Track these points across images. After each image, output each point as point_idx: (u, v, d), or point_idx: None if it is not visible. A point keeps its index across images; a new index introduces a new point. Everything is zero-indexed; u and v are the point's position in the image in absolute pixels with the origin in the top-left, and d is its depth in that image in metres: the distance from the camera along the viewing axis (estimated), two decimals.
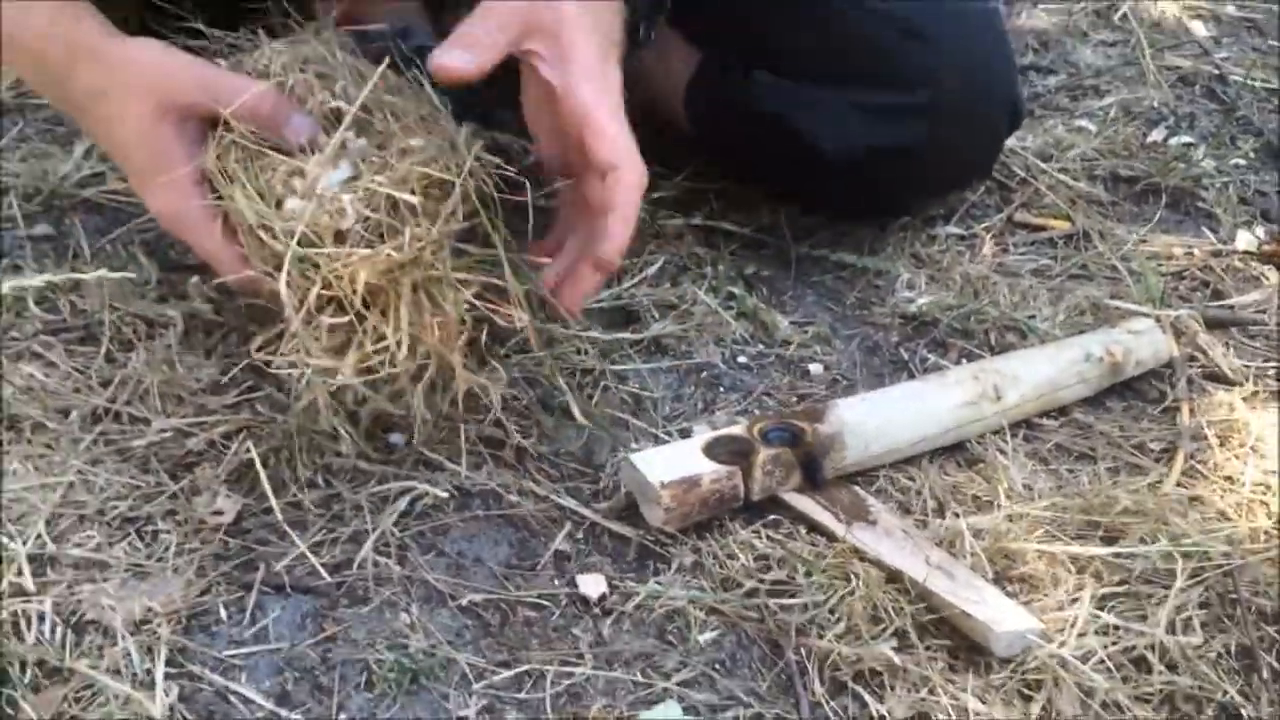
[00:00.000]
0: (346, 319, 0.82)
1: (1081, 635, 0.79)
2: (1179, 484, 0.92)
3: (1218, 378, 1.03)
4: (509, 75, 0.89)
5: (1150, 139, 1.33)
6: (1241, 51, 1.51)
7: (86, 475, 0.89)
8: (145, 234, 1.13)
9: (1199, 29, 1.55)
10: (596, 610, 0.82)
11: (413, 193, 0.82)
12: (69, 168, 1.19)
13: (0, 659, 0.75)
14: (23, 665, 0.75)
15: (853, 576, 0.81)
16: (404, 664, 0.77)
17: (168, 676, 0.76)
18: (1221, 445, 0.95)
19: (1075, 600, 0.82)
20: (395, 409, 0.90)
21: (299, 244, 0.80)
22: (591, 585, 0.83)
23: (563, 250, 0.92)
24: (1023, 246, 1.18)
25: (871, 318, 1.08)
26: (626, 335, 1.05)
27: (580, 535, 0.88)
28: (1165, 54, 1.48)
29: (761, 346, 1.05)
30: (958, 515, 0.87)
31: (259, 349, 0.85)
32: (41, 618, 0.78)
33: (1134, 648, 0.79)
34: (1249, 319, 1.09)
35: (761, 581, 0.82)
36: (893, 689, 0.76)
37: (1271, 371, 1.03)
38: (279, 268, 0.81)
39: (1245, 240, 1.19)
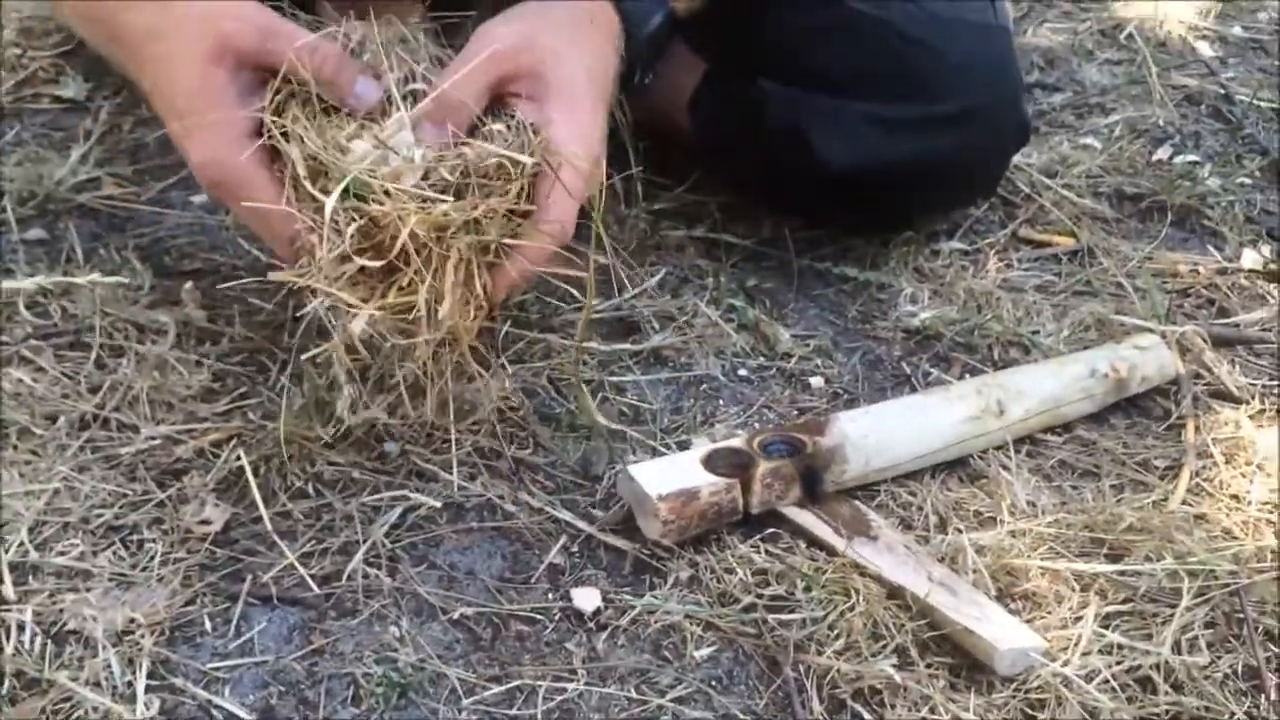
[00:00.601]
0: (381, 263, 0.79)
1: (1085, 654, 0.77)
2: (1184, 502, 0.90)
3: (1223, 395, 1.01)
4: None
5: (1156, 157, 1.32)
6: (1248, 71, 1.50)
7: (72, 482, 0.87)
8: (140, 239, 1.12)
9: (1205, 49, 1.54)
10: (591, 625, 0.80)
11: (485, 175, 0.80)
12: (64, 172, 1.18)
13: None
14: (1, 676, 0.73)
15: (853, 592, 0.80)
16: (392, 678, 0.75)
17: (149, 689, 0.74)
18: (1227, 463, 0.93)
19: (1079, 619, 0.80)
20: (391, 419, 0.89)
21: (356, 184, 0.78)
22: (586, 599, 0.82)
23: None
24: (1027, 262, 1.16)
25: (874, 331, 1.07)
26: (626, 346, 1.03)
27: (575, 548, 0.86)
28: (1171, 73, 1.47)
29: (762, 359, 1.03)
30: (960, 531, 0.86)
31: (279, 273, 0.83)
32: (21, 627, 0.77)
33: (1139, 667, 0.77)
34: (1255, 337, 1.07)
35: (760, 596, 0.81)
36: (893, 707, 0.74)
37: (1277, 390, 1.01)
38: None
39: (1251, 259, 1.17)
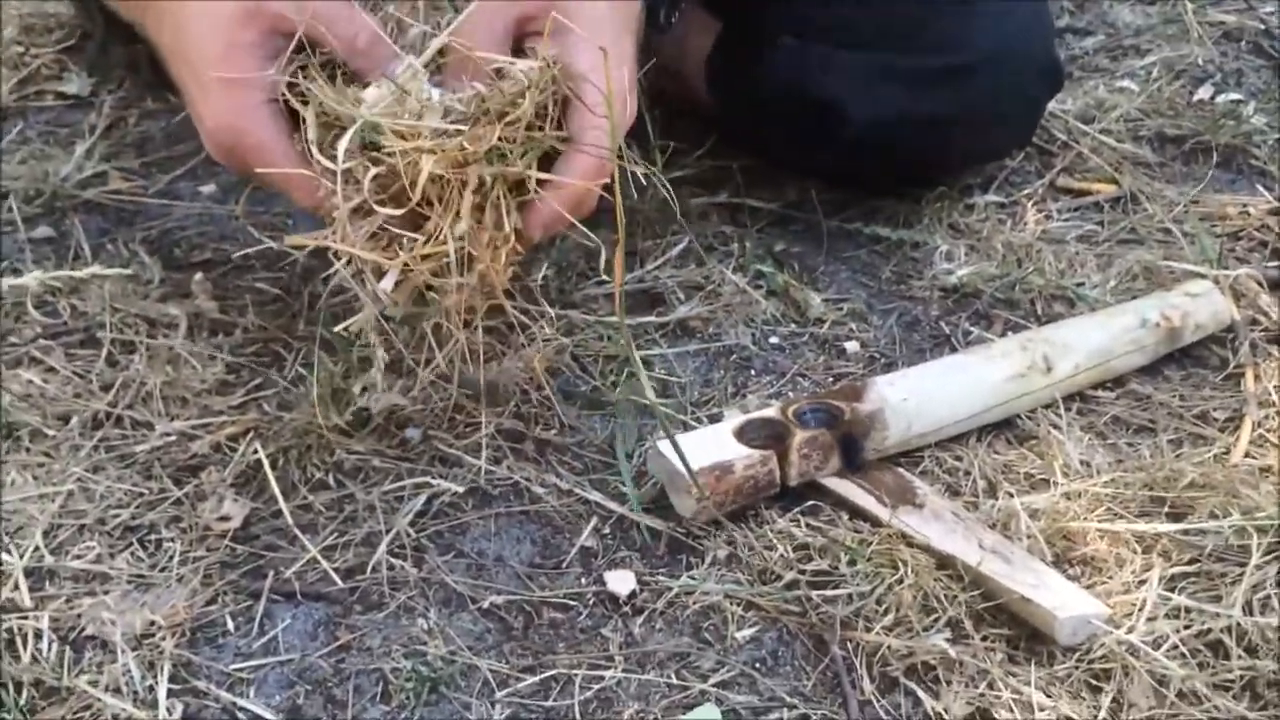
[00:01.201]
0: (403, 211, 0.75)
1: (1151, 619, 0.73)
2: (1248, 454, 0.85)
3: None
4: None
5: (1197, 97, 1.26)
6: None
7: (86, 483, 0.84)
8: (148, 233, 1.09)
9: None
10: (626, 609, 0.77)
11: (505, 107, 0.76)
12: (70, 168, 1.15)
13: None
14: (18, 686, 0.71)
15: (900, 564, 0.75)
16: (422, 673, 0.72)
17: (171, 693, 0.71)
18: None
19: (1143, 582, 0.75)
20: (412, 404, 0.86)
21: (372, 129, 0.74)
22: (620, 582, 0.78)
23: None
24: (1066, 212, 1.11)
25: (909, 292, 1.02)
26: (651, 319, 0.99)
27: (607, 530, 0.82)
28: (1208, 10, 1.41)
29: (794, 326, 0.99)
30: (1011, 495, 0.81)
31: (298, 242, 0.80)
32: (38, 635, 0.74)
33: (1209, 631, 0.73)
34: None
35: (802, 573, 0.77)
36: (949, 684, 0.70)
37: None
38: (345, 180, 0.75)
39: None
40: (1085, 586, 0.75)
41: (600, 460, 0.87)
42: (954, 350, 0.96)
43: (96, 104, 1.27)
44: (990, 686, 0.70)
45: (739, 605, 0.76)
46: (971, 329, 0.98)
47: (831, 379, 0.94)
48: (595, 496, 0.84)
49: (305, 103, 0.79)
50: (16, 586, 0.77)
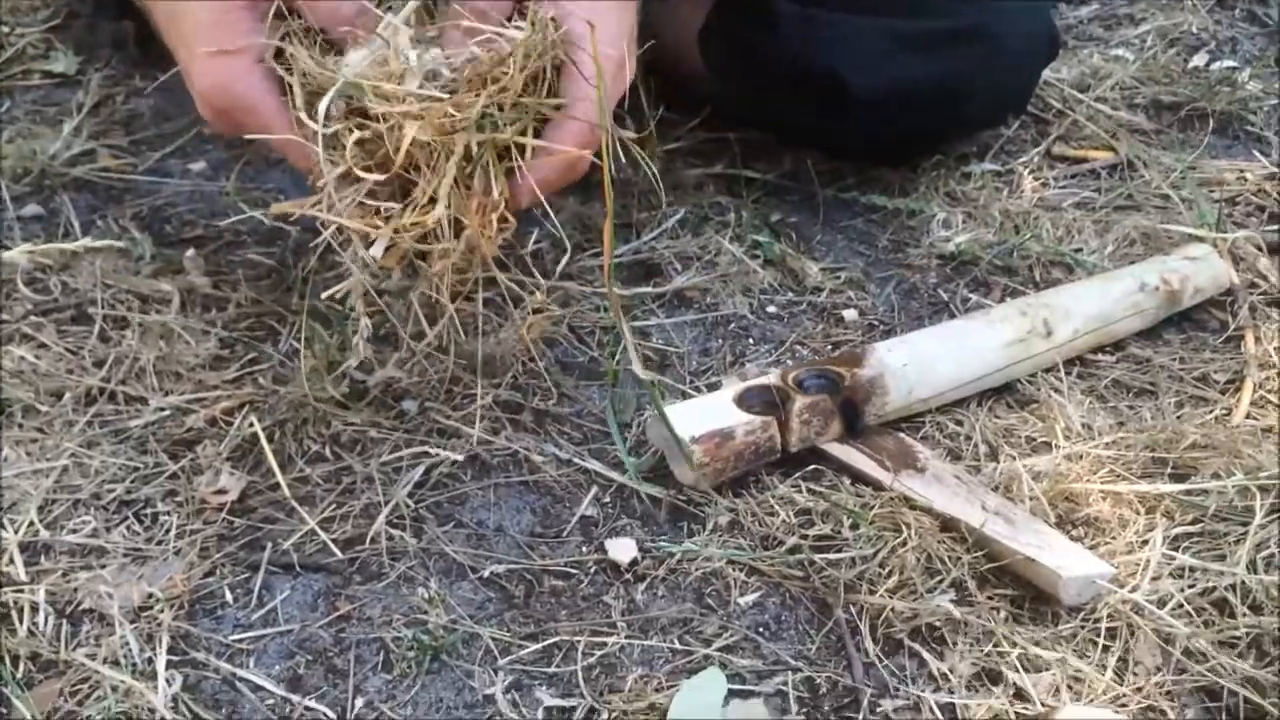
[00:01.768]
0: (386, 176, 0.74)
1: (1155, 579, 0.73)
2: (1249, 415, 0.85)
3: None
4: None
5: (1191, 64, 1.26)
6: None
7: (81, 458, 0.83)
8: (139, 210, 1.08)
9: None
10: (628, 576, 0.76)
11: (493, 69, 0.75)
12: (58, 146, 1.14)
13: None
14: (15, 659, 0.70)
15: (903, 527, 0.75)
16: (424, 641, 0.72)
17: (170, 665, 0.70)
18: None
19: (1146, 542, 0.75)
20: (407, 376, 0.85)
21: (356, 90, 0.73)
22: (621, 550, 0.77)
23: None
24: (1063, 180, 1.11)
25: (907, 260, 1.02)
26: (648, 290, 0.99)
27: (607, 499, 0.82)
28: None
29: (791, 295, 0.99)
30: (1013, 458, 0.81)
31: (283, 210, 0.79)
32: (35, 608, 0.73)
33: (1214, 589, 0.72)
34: None
35: (804, 537, 0.76)
36: (954, 645, 0.70)
37: None
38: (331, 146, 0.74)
39: None
40: (1089, 547, 0.75)
41: (598, 430, 0.87)
42: (952, 317, 0.95)
43: (84, 82, 1.25)
44: (995, 646, 0.70)
45: (741, 571, 0.76)
46: (970, 296, 0.98)
47: (830, 347, 0.93)
48: (594, 466, 0.84)
49: (290, 70, 0.78)
50: (12, 561, 0.76)
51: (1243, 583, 0.72)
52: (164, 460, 0.84)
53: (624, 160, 1.08)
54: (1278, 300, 0.96)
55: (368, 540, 0.78)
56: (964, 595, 0.72)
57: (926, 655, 0.70)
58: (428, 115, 0.73)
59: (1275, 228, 1.03)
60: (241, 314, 0.95)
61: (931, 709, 0.68)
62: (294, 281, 0.98)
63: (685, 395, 0.88)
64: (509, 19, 0.79)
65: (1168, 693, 0.68)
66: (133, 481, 0.82)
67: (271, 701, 0.69)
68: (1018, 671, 0.68)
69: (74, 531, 0.78)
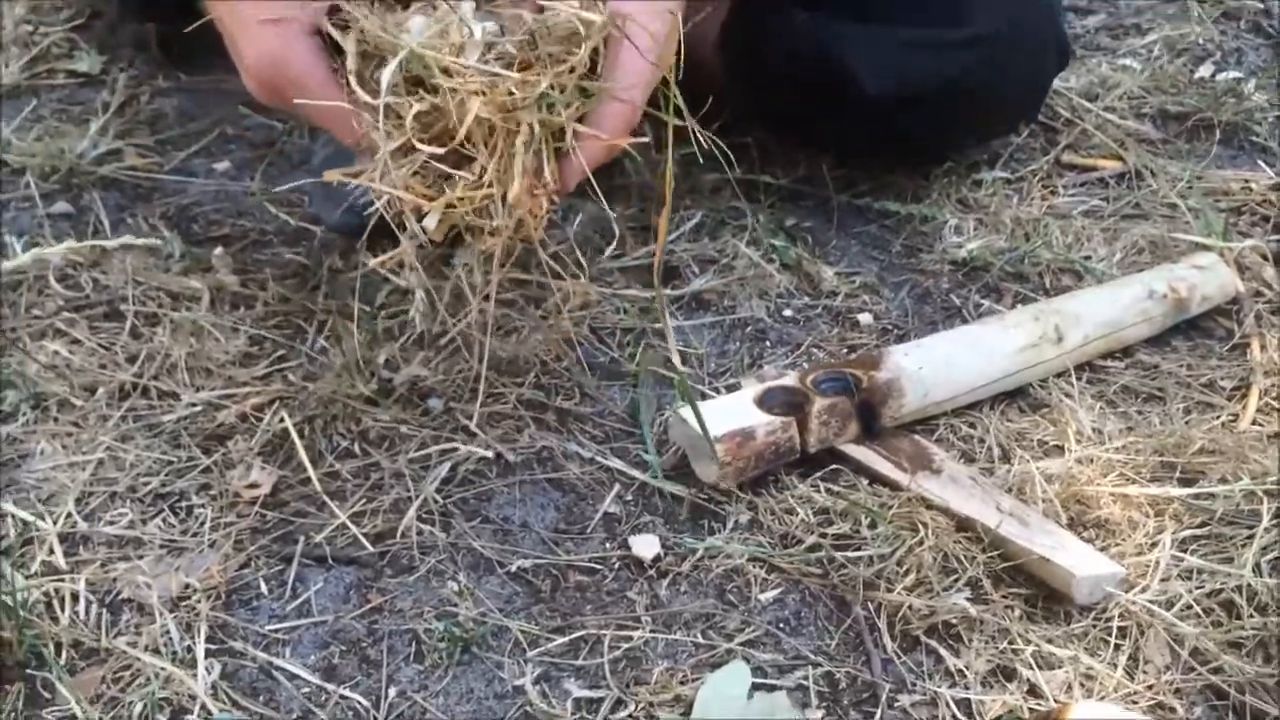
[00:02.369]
0: (445, 150, 0.74)
1: (1164, 580, 0.75)
2: (1255, 421, 0.87)
3: None
4: None
5: (1198, 75, 1.28)
6: None
7: (116, 452, 0.85)
8: (166, 209, 1.10)
9: None
10: (651, 572, 0.79)
11: (552, 45, 0.75)
12: (85, 145, 1.16)
13: (27, 640, 0.72)
14: (58, 647, 0.72)
15: (920, 526, 0.77)
16: (454, 633, 0.74)
17: (209, 653, 0.73)
18: None
19: (1155, 544, 0.77)
20: (434, 374, 0.86)
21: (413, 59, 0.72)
22: (645, 546, 0.80)
23: None
24: (1073, 188, 1.13)
25: (920, 265, 1.04)
26: (666, 292, 1.01)
27: (630, 496, 0.84)
28: None
29: (807, 298, 1.01)
30: (1026, 461, 0.83)
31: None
32: (75, 597, 0.75)
33: (1221, 591, 0.75)
34: None
35: (824, 536, 0.79)
36: (969, 642, 0.72)
37: None
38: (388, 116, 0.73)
39: None
40: (1100, 549, 0.77)
41: (621, 429, 0.89)
42: (965, 321, 0.97)
43: (108, 82, 1.27)
44: (1010, 643, 0.72)
45: (762, 568, 0.78)
46: (982, 301, 1.00)
47: (846, 350, 0.96)
48: (617, 464, 0.86)
49: (346, 32, 0.76)
50: (52, 551, 0.78)
51: (1249, 585, 0.75)
52: (197, 454, 0.86)
53: (644, 164, 1.10)
54: None
55: (398, 534, 0.80)
56: (979, 594, 0.75)
57: (943, 652, 0.72)
58: (491, 92, 0.72)
59: None
60: (270, 311, 0.97)
61: (948, 704, 0.70)
62: (320, 281, 1.00)
63: (704, 396, 0.90)
64: None
65: (1177, 691, 0.70)
66: (167, 475, 0.84)
67: (307, 690, 0.71)
68: (1031, 668, 0.71)
69: (111, 523, 0.81)
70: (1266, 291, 0.99)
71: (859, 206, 1.10)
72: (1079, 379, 0.91)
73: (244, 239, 1.06)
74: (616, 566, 0.79)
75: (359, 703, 0.71)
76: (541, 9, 0.76)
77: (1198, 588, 0.75)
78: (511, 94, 0.73)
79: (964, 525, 0.78)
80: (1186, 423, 0.87)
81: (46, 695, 0.70)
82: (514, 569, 0.79)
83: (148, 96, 1.26)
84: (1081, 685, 0.70)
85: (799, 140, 1.15)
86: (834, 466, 0.84)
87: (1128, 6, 1.41)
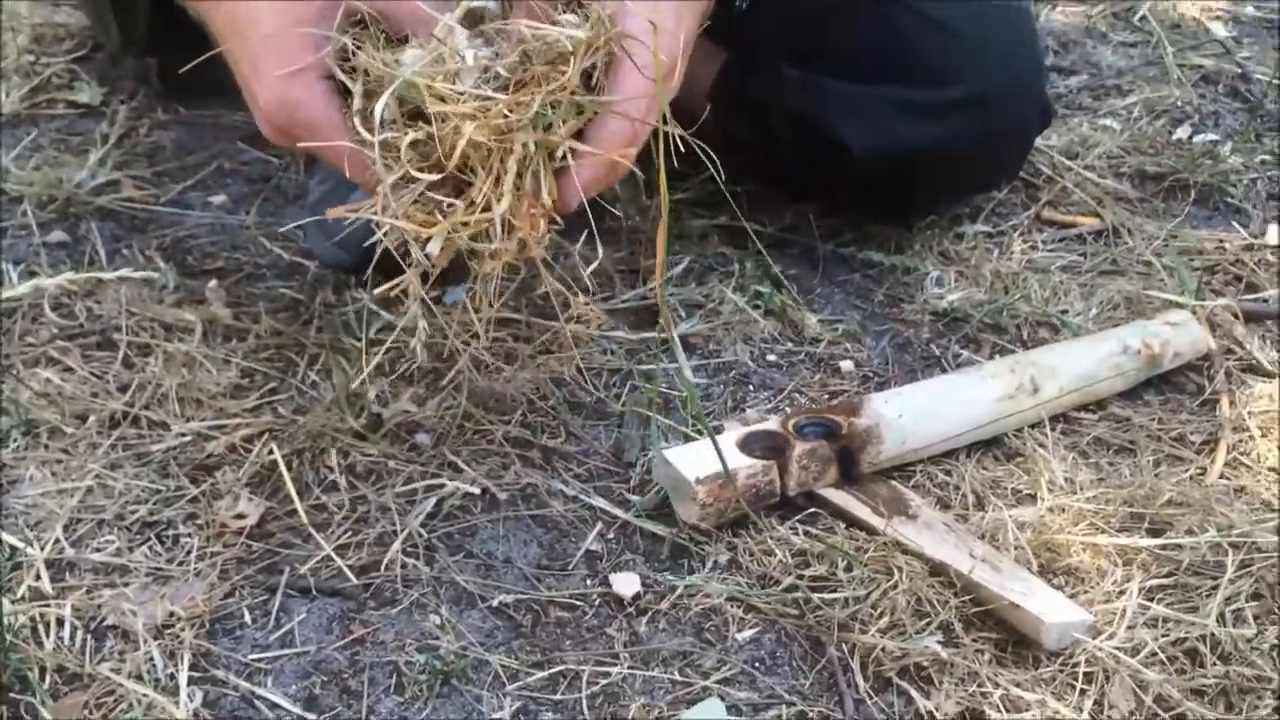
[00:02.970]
0: (440, 176, 0.75)
1: (1131, 628, 0.77)
2: (1223, 475, 0.89)
3: (1255, 370, 1.00)
4: None
5: (1176, 136, 1.31)
6: (1263, 50, 1.50)
7: (105, 480, 0.87)
8: (161, 240, 1.11)
9: (1219, 29, 1.53)
10: (631, 609, 0.80)
11: (547, 65, 0.75)
12: (83, 175, 1.18)
13: (12, 664, 0.73)
14: (42, 671, 0.73)
15: (895, 570, 0.79)
16: (435, 666, 0.75)
17: (192, 681, 0.73)
18: (1264, 436, 0.93)
19: (1123, 592, 0.79)
20: (422, 410, 0.88)
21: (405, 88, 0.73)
22: (625, 584, 0.81)
23: None
24: (1052, 243, 1.16)
25: (901, 315, 1.06)
26: (652, 335, 1.03)
27: (611, 535, 0.85)
28: (1186, 54, 1.47)
29: (790, 344, 1.03)
30: (999, 509, 0.85)
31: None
32: (61, 623, 0.76)
33: (1186, 639, 0.76)
34: None
35: (800, 577, 0.80)
36: (940, 684, 0.74)
37: None
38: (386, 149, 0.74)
39: (1276, 235, 1.17)
40: (1069, 595, 0.79)
41: (604, 468, 0.90)
42: (944, 371, 1.00)
43: (108, 113, 1.29)
44: (979, 686, 0.73)
45: (739, 607, 0.79)
46: (961, 351, 1.02)
47: (827, 396, 0.97)
48: (600, 503, 0.87)
49: (354, 76, 0.78)
50: (38, 577, 0.79)
51: (1213, 634, 0.76)
52: (185, 484, 0.87)
53: (632, 210, 1.12)
54: (1252, 366, 1.00)
55: (382, 567, 0.82)
56: (951, 637, 0.76)
57: (914, 693, 0.74)
58: (484, 116, 0.74)
59: (1252, 297, 1.08)
60: (261, 345, 0.99)
61: None
62: (312, 316, 1.02)
63: (688, 438, 0.92)
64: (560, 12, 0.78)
65: None
66: (155, 504, 0.85)
67: (288, 719, 0.72)
68: (1000, 711, 0.72)
69: (98, 550, 0.82)
70: (1237, 349, 1.02)
71: (844, 256, 1.13)
72: (1053, 430, 0.93)
73: (238, 272, 1.08)
74: (597, 603, 0.80)
75: None
76: (538, 20, 0.77)
77: (1163, 636, 0.76)
78: (506, 116, 0.74)
79: (938, 570, 0.79)
80: (1156, 475, 0.89)
81: (28, 719, 0.71)
82: (495, 603, 0.80)
83: (146, 129, 1.28)
84: None
85: (787, 191, 1.17)
86: (812, 510, 0.85)
87: (1109, 68, 1.45)
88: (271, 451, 0.88)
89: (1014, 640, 0.76)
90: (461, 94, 0.74)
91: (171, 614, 0.77)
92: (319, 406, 0.92)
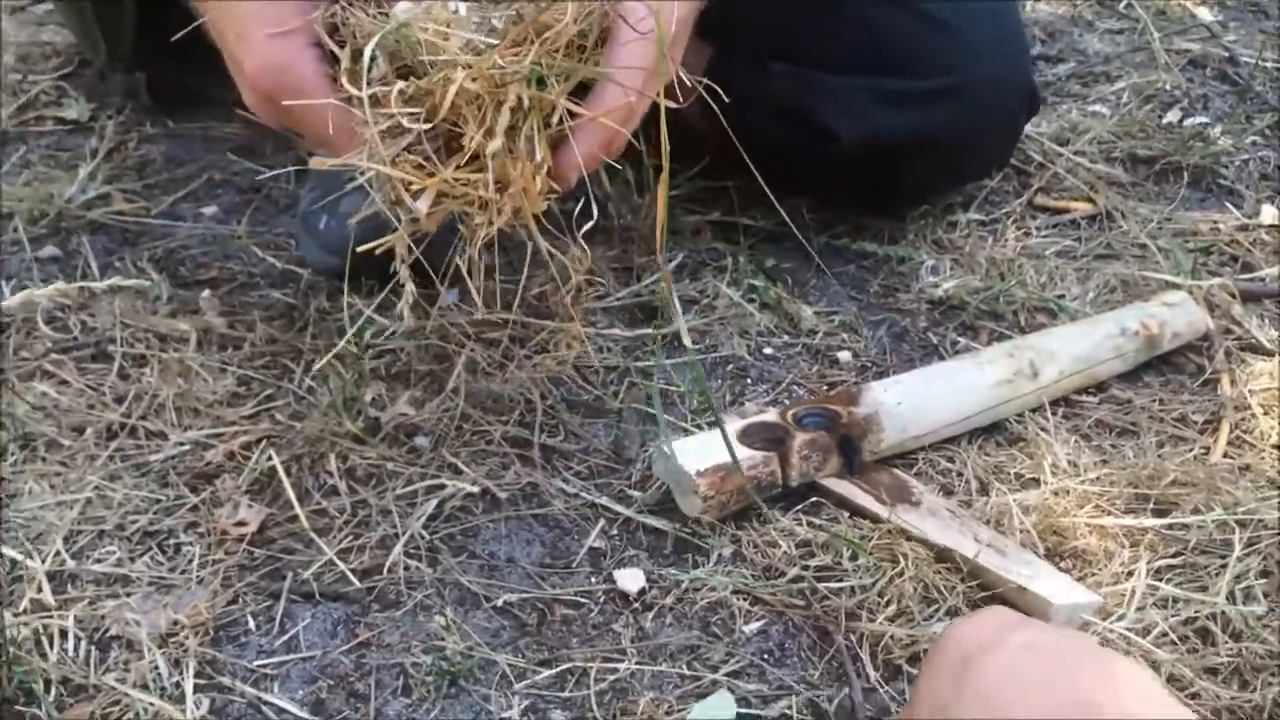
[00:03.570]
0: (432, 125, 0.72)
1: (1140, 609, 0.77)
2: (1226, 454, 0.89)
3: (1255, 349, 1.00)
4: None
5: (1166, 120, 1.31)
6: (1249, 33, 1.50)
7: (104, 491, 0.86)
8: (154, 252, 1.11)
9: (1204, 14, 1.54)
10: (636, 605, 0.79)
11: (545, 27, 0.73)
12: (74, 190, 1.17)
13: (16, 677, 0.72)
14: (47, 683, 0.72)
15: (901, 558, 0.79)
16: (442, 667, 0.74)
17: (198, 689, 0.73)
18: (1265, 414, 0.93)
19: (1131, 573, 0.79)
20: (420, 412, 0.87)
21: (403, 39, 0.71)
22: (630, 580, 0.81)
23: None
24: (1045, 229, 1.16)
25: (897, 304, 1.06)
26: (649, 331, 1.02)
27: (614, 531, 0.85)
28: (1173, 39, 1.47)
29: (787, 337, 1.03)
30: (1003, 493, 0.85)
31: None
32: (64, 634, 0.76)
33: (1196, 618, 0.76)
34: None
35: (806, 568, 0.80)
36: None
37: None
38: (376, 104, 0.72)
39: (1270, 214, 1.17)
40: (1077, 578, 0.78)
41: (604, 465, 0.90)
42: (942, 359, 0.99)
43: (97, 128, 1.29)
44: None
45: (746, 600, 0.79)
46: (958, 339, 1.02)
47: (825, 387, 0.97)
48: (601, 500, 0.87)
49: (343, 44, 0.76)
50: (40, 589, 0.78)
51: (1223, 612, 0.76)
52: (185, 493, 0.86)
53: (624, 209, 1.12)
54: (1252, 345, 1.00)
55: (385, 570, 0.81)
56: None
57: None
58: (477, 65, 0.72)
59: (1248, 276, 1.08)
60: (256, 352, 0.99)
61: None
62: (306, 322, 1.01)
63: (687, 432, 0.92)
64: None
65: None
66: (155, 513, 0.85)
67: None
68: None
69: (99, 561, 0.81)
70: (1235, 328, 1.01)
71: (837, 248, 1.12)
72: (1054, 414, 0.92)
73: (231, 281, 1.07)
74: (602, 600, 0.80)
75: None
76: None
77: (1173, 615, 0.76)
78: (498, 66, 0.72)
79: (943, 556, 0.79)
80: (1159, 456, 0.89)
81: None
82: (500, 603, 0.79)
83: (135, 142, 1.27)
84: None
85: (780, 185, 1.17)
86: (815, 500, 0.85)
87: (1097, 55, 1.45)
88: (270, 458, 0.88)
89: None
90: (451, 40, 0.71)
91: (175, 622, 0.77)
92: (316, 412, 0.91)
